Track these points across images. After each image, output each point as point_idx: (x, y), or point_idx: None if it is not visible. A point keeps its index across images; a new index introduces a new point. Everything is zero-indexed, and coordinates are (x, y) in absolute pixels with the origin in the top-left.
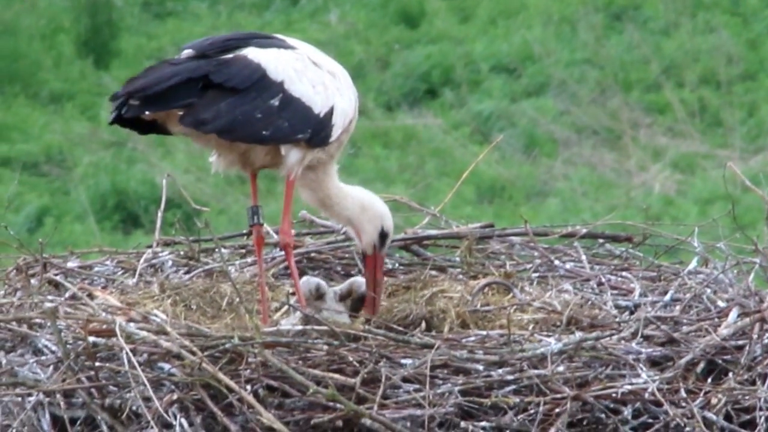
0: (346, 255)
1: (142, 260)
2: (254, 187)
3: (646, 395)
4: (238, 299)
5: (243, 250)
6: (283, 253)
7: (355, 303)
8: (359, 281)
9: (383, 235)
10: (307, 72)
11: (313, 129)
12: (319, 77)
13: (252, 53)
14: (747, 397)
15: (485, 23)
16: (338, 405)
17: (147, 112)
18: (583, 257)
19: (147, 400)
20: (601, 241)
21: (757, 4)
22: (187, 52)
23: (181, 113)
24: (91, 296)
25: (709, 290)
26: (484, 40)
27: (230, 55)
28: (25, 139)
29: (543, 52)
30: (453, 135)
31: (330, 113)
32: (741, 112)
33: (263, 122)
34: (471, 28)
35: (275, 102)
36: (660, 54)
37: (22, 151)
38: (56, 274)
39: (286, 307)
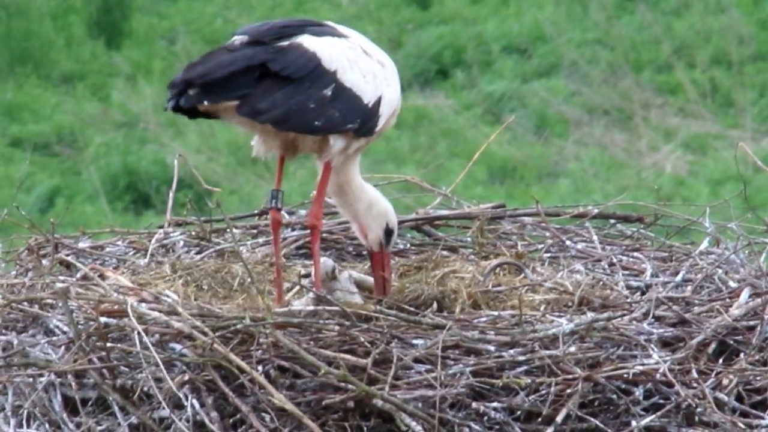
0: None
1: (153, 240)
2: (280, 171)
3: (658, 376)
4: (249, 279)
5: (255, 231)
6: (294, 233)
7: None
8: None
9: (388, 233)
10: (359, 61)
11: (362, 119)
12: (369, 67)
13: (307, 41)
14: (758, 378)
15: (496, 3)
16: (350, 386)
17: (206, 102)
18: (595, 237)
19: (158, 380)
20: (612, 221)
21: None
22: (241, 38)
23: (236, 103)
24: (102, 277)
25: (720, 270)
26: (496, 20)
27: (286, 43)
28: (36, 120)
29: (554, 32)
30: (464, 115)
31: (378, 103)
32: (752, 93)
33: (316, 112)
34: (482, 8)
35: (328, 92)
36: (671, 34)
37: (34, 132)
38: (68, 255)
39: (297, 287)
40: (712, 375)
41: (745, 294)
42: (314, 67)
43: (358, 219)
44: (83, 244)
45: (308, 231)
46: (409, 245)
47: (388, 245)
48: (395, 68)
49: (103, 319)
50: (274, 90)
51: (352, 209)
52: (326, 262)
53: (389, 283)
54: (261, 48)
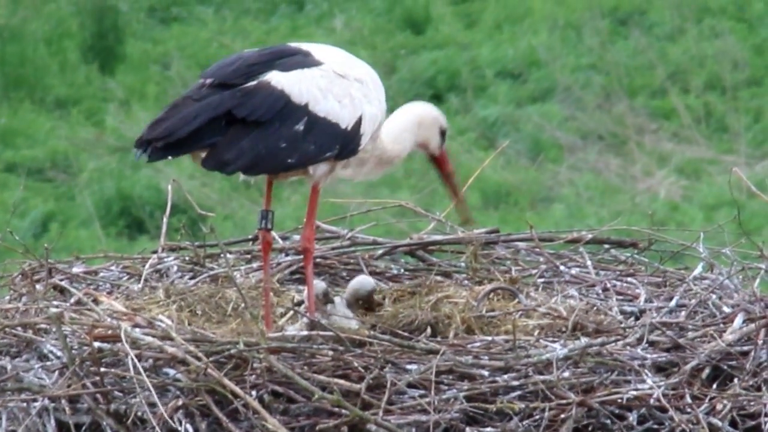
0: (351, 260)
1: (147, 265)
2: (269, 193)
3: (652, 401)
4: (243, 305)
5: (248, 256)
6: (288, 258)
7: (366, 302)
8: (361, 280)
9: (443, 133)
10: (333, 88)
11: (340, 144)
12: (345, 90)
13: (275, 78)
14: (752, 403)
15: (491, 29)
16: (343, 411)
17: (170, 157)
18: (589, 263)
19: (152, 405)
20: (606, 246)
21: (762, 10)
22: (209, 80)
23: (203, 154)
24: (96, 301)
25: (714, 296)
26: (490, 45)
27: (253, 83)
28: (30, 145)
29: (548, 57)
30: (458, 140)
31: (358, 124)
32: (747, 118)
33: (288, 150)
34: (476, 33)
35: (300, 127)
36: (665, 59)
37: (28, 157)
38: (61, 280)
39: (291, 312)
40: (706, 400)
41: (738, 319)
42: (283, 105)
43: (419, 145)
44: (77, 269)
45: (302, 256)
46: (402, 270)
47: (444, 141)
48: (377, 79)
49: (96, 344)
50: (241, 137)
51: (406, 151)
52: (317, 284)
53: (454, 176)
54: (228, 93)
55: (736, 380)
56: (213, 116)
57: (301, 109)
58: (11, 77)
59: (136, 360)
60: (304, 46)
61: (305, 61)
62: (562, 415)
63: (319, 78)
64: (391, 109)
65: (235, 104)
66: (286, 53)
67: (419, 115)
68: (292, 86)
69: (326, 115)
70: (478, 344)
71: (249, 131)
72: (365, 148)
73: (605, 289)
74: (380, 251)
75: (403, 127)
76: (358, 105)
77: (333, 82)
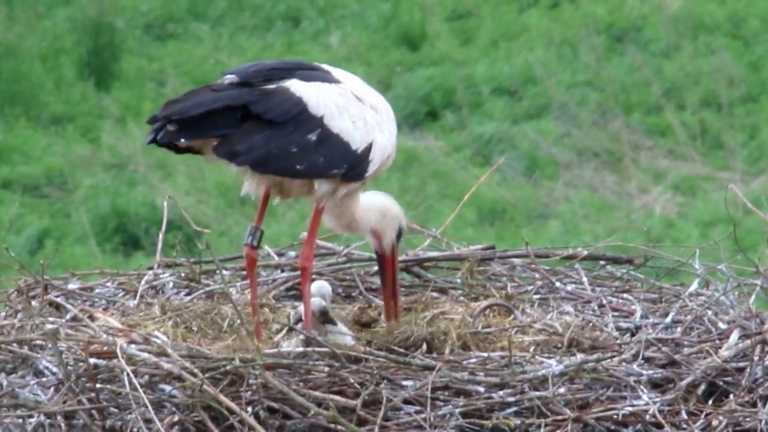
0: (347, 277)
1: (143, 282)
2: (263, 209)
3: (648, 417)
4: (239, 321)
5: (244, 272)
6: (284, 274)
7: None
8: (313, 301)
9: (399, 235)
10: (349, 107)
11: (349, 165)
12: (360, 113)
13: (295, 86)
14: (748, 419)
15: (486, 45)
16: (339, 427)
17: (183, 140)
18: (584, 279)
19: (148, 421)
20: (602, 263)
21: (758, 27)
22: (230, 78)
23: (215, 143)
24: (92, 318)
25: (710, 312)
26: (485, 62)
27: (273, 86)
28: (26, 161)
29: (544, 74)
30: (454, 157)
31: (368, 149)
32: (742, 135)
33: (298, 156)
34: (472, 50)
35: (313, 137)
36: (661, 76)
37: (23, 173)
38: (57, 296)
39: (286, 329)
40: (702, 416)
41: (734, 335)
42: (299, 112)
43: (375, 232)
44: (73, 286)
45: (297, 272)
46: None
47: (399, 243)
48: (391, 112)
49: (92, 360)
50: (255, 132)
51: (366, 227)
52: (317, 302)
53: (397, 283)
54: (246, 90)
55: (731, 396)
56: (229, 105)
57: (316, 120)
58: (7, 94)
59: (132, 376)
60: (324, 65)
61: (325, 77)
62: (558, 431)
63: (338, 95)
64: None
65: (252, 100)
66: (306, 66)
67: (388, 207)
68: (310, 96)
69: (339, 132)
70: (473, 360)
71: (263, 128)
72: (369, 177)
73: (601, 306)
74: (376, 268)
75: (373, 205)
76: (371, 131)
77: (350, 102)
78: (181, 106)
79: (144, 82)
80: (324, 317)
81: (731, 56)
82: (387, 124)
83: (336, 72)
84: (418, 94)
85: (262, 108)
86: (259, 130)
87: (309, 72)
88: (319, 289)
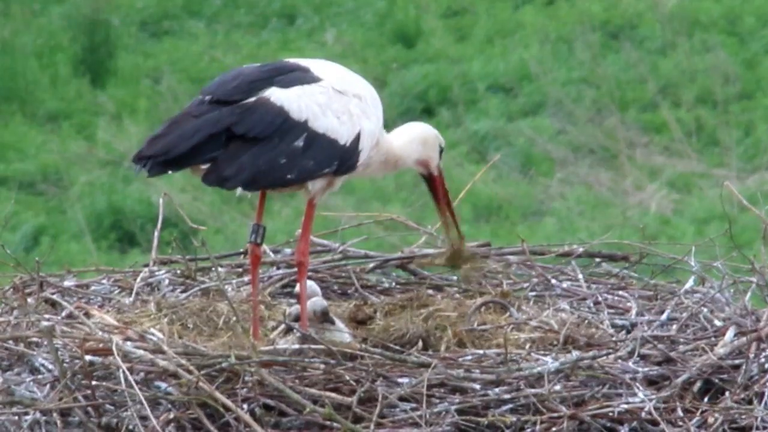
0: (343, 274)
1: (138, 279)
2: (261, 206)
3: (643, 414)
4: (234, 318)
5: (240, 269)
6: (280, 271)
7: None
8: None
9: (441, 151)
10: (332, 104)
11: (339, 160)
12: (344, 106)
13: (275, 95)
14: (744, 417)
15: (482, 42)
16: (335, 424)
17: (170, 171)
18: (580, 276)
19: (144, 419)
20: (597, 260)
21: (754, 24)
22: (208, 97)
23: (204, 168)
24: (87, 315)
25: (705, 309)
26: (481, 59)
27: (252, 99)
28: (21, 158)
29: (540, 71)
30: (450, 154)
31: (356, 140)
32: (738, 132)
33: (288, 166)
34: (467, 47)
35: (299, 143)
36: (657, 73)
37: (19, 170)
38: (53, 293)
39: (282, 326)
40: (698, 413)
41: (730, 333)
42: (282, 122)
43: (421, 161)
44: (68, 283)
45: (294, 269)
46: (394, 284)
47: (441, 160)
48: (374, 94)
49: (88, 358)
50: (241, 153)
51: (412, 161)
52: (318, 302)
53: (451, 203)
54: (226, 110)
55: (727, 393)
56: (212, 132)
57: (300, 126)
58: (2, 91)
59: (127, 373)
60: (303, 62)
61: (304, 77)
62: (554, 429)
63: (318, 94)
64: (384, 124)
65: (234, 121)
66: (285, 69)
67: (425, 132)
68: (291, 103)
69: (325, 131)
70: (469, 358)
71: (248, 147)
72: (363, 162)
73: (596, 303)
74: (371, 265)
75: (411, 138)
76: (356, 121)
77: (332, 98)
78: (164, 144)
79: (139, 79)
80: (324, 317)
81: (727, 53)
82: (372, 109)
83: (315, 67)
84: (413, 91)
85: (244, 128)
86: (245, 149)
87: (287, 76)
88: (310, 287)
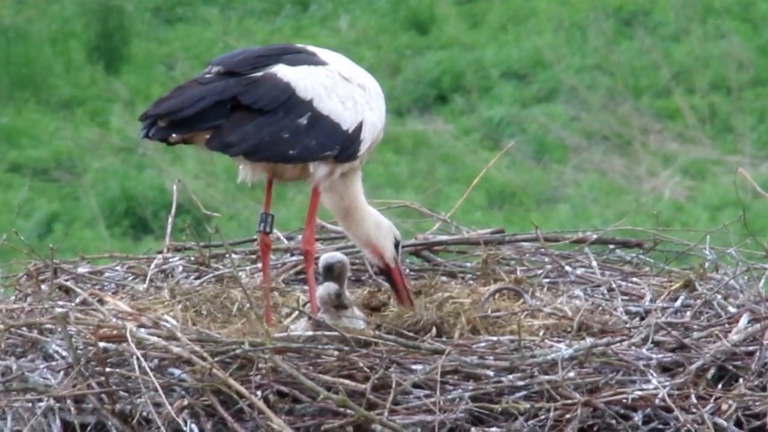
0: (357, 261)
1: (152, 266)
2: (268, 195)
3: (657, 401)
4: (248, 305)
5: (253, 256)
6: (293, 258)
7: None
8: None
9: (397, 245)
10: (337, 88)
11: (341, 145)
12: (349, 93)
13: (281, 71)
14: (758, 403)
15: (495, 29)
16: (349, 411)
17: (174, 135)
18: (594, 263)
19: (157, 405)
20: (611, 246)
21: (767, 10)
22: (216, 68)
23: (208, 135)
24: (101, 302)
25: (719, 296)
26: (495, 46)
27: (259, 73)
28: (35, 145)
29: (553, 57)
30: (463, 141)
31: (359, 128)
32: (751, 118)
33: (290, 142)
34: (481, 34)
35: (303, 121)
36: (670, 60)
37: (32, 157)
38: (67, 280)
39: (296, 312)
40: (711, 400)
41: (744, 319)
42: (288, 98)
43: (370, 242)
44: (82, 270)
45: None
46: (408, 270)
47: (399, 256)
48: (379, 89)
49: (102, 344)
50: (245, 122)
51: (362, 232)
52: (330, 285)
53: (411, 293)
54: (233, 80)
55: (741, 380)
56: (218, 100)
57: (305, 104)
58: (16, 77)
59: (141, 360)
60: (309, 47)
61: (311, 59)
62: (568, 415)
63: (325, 77)
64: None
65: (240, 91)
66: (292, 50)
67: (381, 220)
68: (297, 80)
69: (329, 113)
70: (483, 344)
71: (253, 118)
72: (362, 156)
73: (610, 289)
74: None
75: (373, 216)
76: (360, 110)
77: (338, 83)
78: (170, 105)
79: (153, 65)
80: (338, 299)
81: (740, 40)
82: (375, 102)
83: (322, 53)
84: (427, 78)
85: (250, 98)
86: (249, 119)
87: (295, 56)
88: (333, 257)
